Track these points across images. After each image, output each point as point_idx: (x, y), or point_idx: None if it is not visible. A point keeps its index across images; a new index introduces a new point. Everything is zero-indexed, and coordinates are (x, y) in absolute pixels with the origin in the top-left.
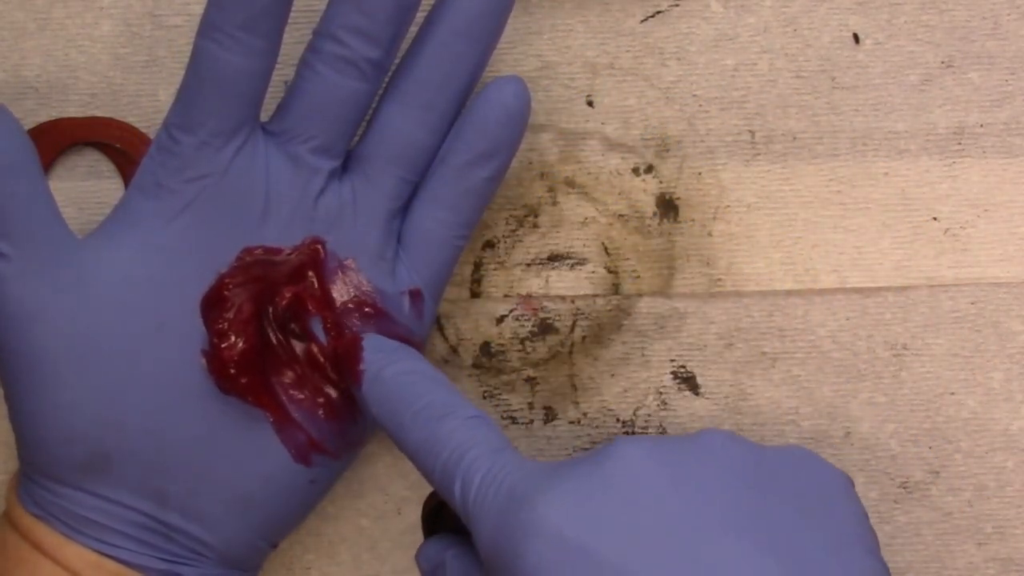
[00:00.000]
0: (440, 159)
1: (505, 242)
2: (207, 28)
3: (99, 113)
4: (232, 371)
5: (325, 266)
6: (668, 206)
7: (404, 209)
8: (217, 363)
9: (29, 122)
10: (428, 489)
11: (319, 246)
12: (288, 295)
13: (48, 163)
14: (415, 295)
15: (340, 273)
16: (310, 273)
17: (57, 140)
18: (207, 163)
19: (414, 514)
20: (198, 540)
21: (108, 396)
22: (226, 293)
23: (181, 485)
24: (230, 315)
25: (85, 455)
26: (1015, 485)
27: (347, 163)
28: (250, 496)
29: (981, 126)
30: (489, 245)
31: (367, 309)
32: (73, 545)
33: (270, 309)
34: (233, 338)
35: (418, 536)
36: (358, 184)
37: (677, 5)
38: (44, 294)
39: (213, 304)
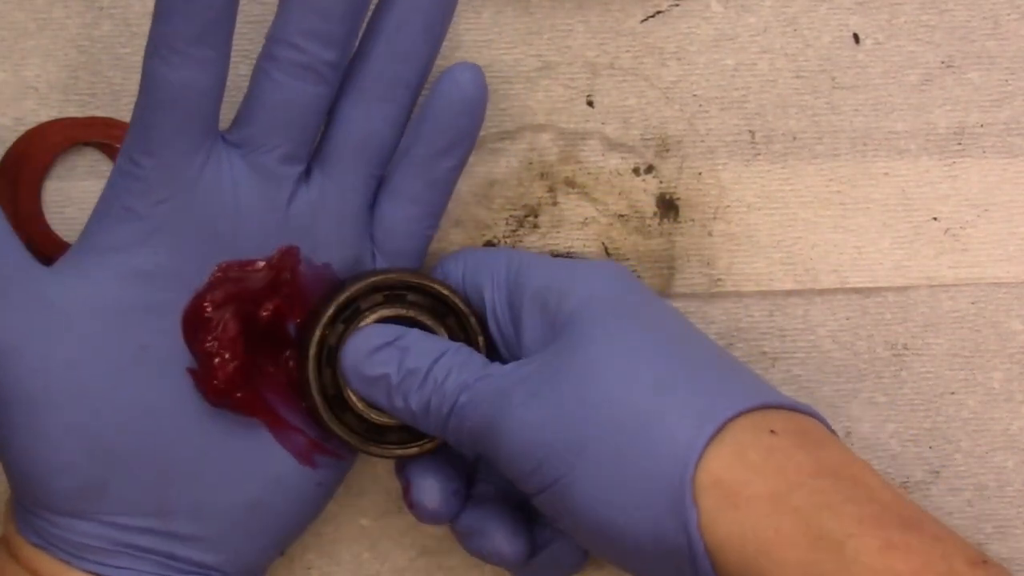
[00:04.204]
0: (402, 153)
1: (505, 242)
2: (155, 47)
3: (99, 113)
4: (227, 388)
5: (302, 273)
6: (668, 206)
7: (372, 205)
8: (210, 382)
9: (29, 122)
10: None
11: (293, 254)
12: (270, 307)
13: (48, 163)
14: None
15: (316, 278)
16: (287, 282)
17: (57, 140)
18: (172, 184)
19: None
20: (205, 554)
21: (96, 423)
22: (207, 313)
23: (183, 502)
24: (216, 334)
25: (79, 483)
26: (1015, 485)
27: (311, 165)
28: (256, 504)
29: (981, 126)
30: (489, 245)
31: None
32: (75, 572)
33: (253, 322)
34: (225, 356)
35: (418, 536)
36: (326, 185)
37: (677, 5)
38: (17, 329)
39: (194, 323)
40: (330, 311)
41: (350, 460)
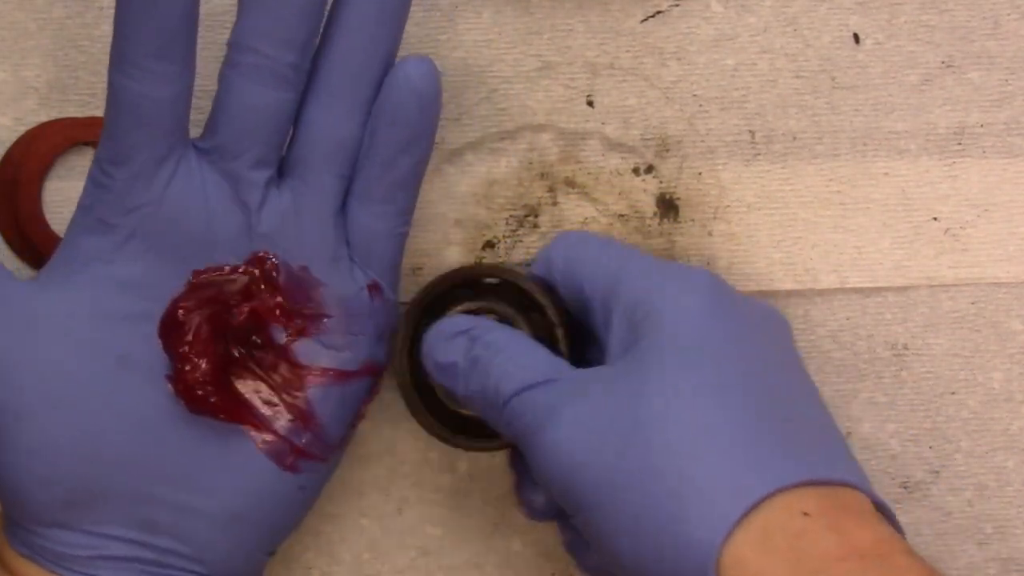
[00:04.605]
0: (364, 155)
1: (505, 242)
2: (119, 62)
3: (99, 113)
4: (200, 392)
5: (277, 276)
6: (668, 206)
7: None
8: (183, 386)
9: (29, 122)
10: (425, 492)
11: (268, 258)
12: (245, 310)
13: (48, 163)
14: (374, 288)
15: (294, 281)
16: (263, 286)
17: (57, 140)
18: (142, 193)
19: (414, 514)
20: (191, 561)
21: (80, 434)
22: (181, 317)
23: (168, 510)
24: (189, 338)
25: (65, 494)
26: (1015, 485)
27: (281, 169)
28: (239, 511)
29: (981, 126)
30: (489, 245)
31: (325, 311)
32: None
33: (229, 326)
34: (196, 360)
35: (417, 537)
36: (298, 189)
37: (677, 5)
38: (0, 340)
39: (170, 329)
40: (415, 304)
41: (333, 463)
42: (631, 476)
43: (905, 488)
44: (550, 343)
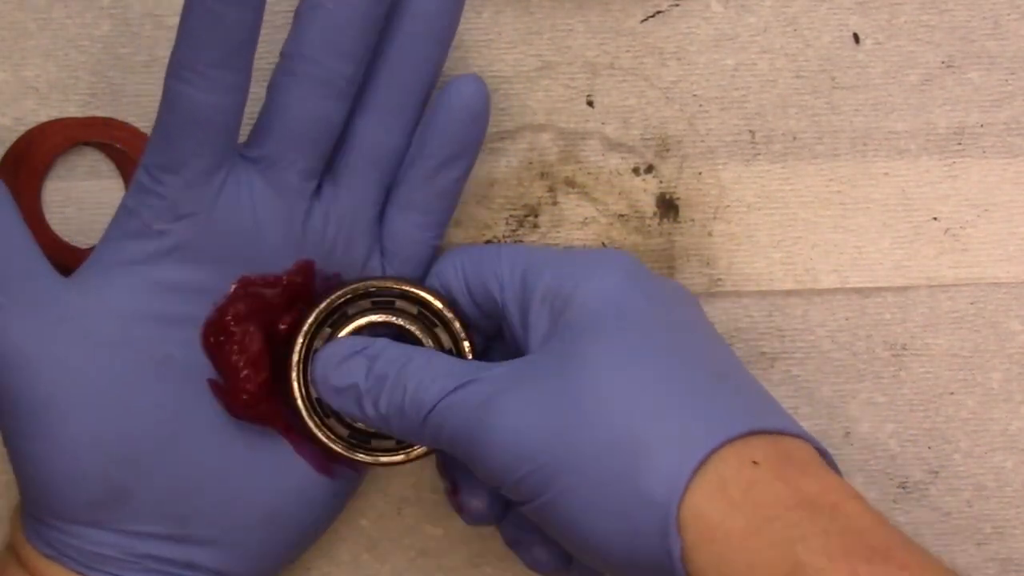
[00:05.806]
0: (409, 165)
1: (505, 242)
2: (178, 68)
3: (99, 113)
4: (250, 400)
5: (316, 286)
6: (668, 206)
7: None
8: (237, 396)
9: (29, 122)
10: (424, 492)
11: (310, 268)
12: (288, 320)
13: (48, 163)
14: None
15: (328, 290)
16: (304, 295)
17: (57, 140)
18: (194, 201)
19: (414, 514)
20: (220, 560)
21: (115, 432)
22: (231, 327)
23: (202, 511)
24: (242, 347)
25: (99, 492)
26: (1014, 485)
27: (324, 176)
28: (274, 513)
29: (981, 126)
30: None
31: None
32: None
33: (273, 335)
34: (251, 370)
35: (417, 537)
36: (340, 197)
37: (677, 5)
38: (35, 337)
39: (217, 336)
40: (312, 317)
41: (364, 474)
42: (583, 451)
43: (904, 488)
44: (457, 356)
